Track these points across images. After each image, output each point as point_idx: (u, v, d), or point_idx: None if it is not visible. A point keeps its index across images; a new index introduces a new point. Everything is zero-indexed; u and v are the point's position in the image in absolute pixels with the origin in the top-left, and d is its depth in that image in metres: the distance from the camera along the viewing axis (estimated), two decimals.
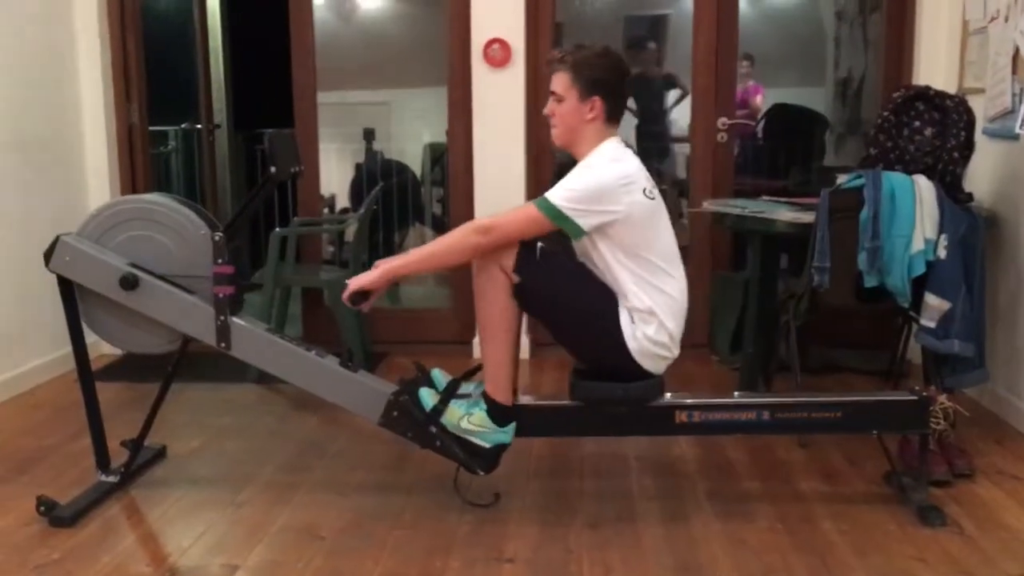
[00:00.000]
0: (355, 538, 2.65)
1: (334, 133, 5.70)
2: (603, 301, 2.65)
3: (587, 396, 2.73)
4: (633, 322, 2.62)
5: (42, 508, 2.74)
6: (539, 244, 2.66)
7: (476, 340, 4.58)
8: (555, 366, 4.29)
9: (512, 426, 2.69)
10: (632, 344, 2.62)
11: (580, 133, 2.67)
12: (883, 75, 4.63)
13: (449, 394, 2.71)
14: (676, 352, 2.69)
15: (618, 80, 2.69)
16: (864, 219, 3.09)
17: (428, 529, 2.69)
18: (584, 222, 2.55)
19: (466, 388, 2.76)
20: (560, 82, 2.67)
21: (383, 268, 2.67)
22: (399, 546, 2.59)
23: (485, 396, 2.69)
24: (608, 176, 2.58)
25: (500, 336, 2.68)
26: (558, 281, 2.67)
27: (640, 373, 2.67)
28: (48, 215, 4.12)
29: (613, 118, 2.68)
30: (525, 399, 2.83)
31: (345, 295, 2.69)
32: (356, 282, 2.68)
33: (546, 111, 2.72)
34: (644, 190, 2.60)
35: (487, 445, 2.68)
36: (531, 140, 4.57)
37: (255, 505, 2.88)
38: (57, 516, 2.72)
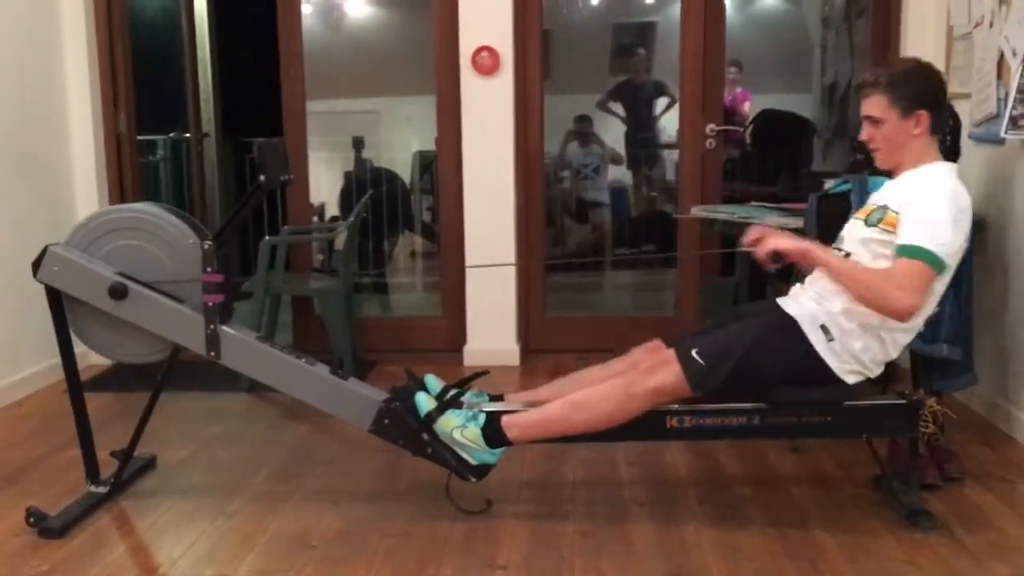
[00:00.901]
0: (347, 546, 2.64)
1: (323, 142, 5.71)
2: (789, 337, 2.59)
3: (787, 400, 2.68)
4: (830, 339, 2.57)
5: (31, 519, 2.72)
6: (692, 350, 2.60)
7: (467, 348, 4.59)
8: (546, 372, 4.29)
9: (501, 451, 2.68)
10: (832, 360, 2.58)
11: (907, 151, 2.62)
12: None
13: (446, 402, 2.71)
14: (875, 372, 2.65)
15: (940, 90, 2.65)
16: None
17: (420, 536, 2.68)
18: (951, 262, 2.51)
19: (470, 397, 2.77)
20: (876, 105, 2.60)
21: (808, 245, 2.59)
22: (391, 554, 2.59)
23: (492, 417, 2.67)
24: (966, 212, 2.54)
25: (577, 425, 2.65)
26: (737, 362, 2.59)
27: (836, 380, 2.62)
28: (36, 225, 4.10)
29: (938, 130, 2.65)
30: (516, 404, 2.82)
31: (764, 251, 2.59)
32: (776, 241, 2.58)
33: (862, 137, 2.67)
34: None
35: (473, 462, 2.68)
36: (520, 147, 4.57)
37: (246, 514, 2.87)
38: (47, 527, 2.71)
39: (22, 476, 3.19)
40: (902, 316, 2.49)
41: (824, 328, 2.59)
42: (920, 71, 2.65)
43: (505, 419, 2.68)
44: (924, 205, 2.52)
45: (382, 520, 2.79)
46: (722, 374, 2.59)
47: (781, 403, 2.68)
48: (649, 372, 2.64)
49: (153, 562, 2.60)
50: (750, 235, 2.66)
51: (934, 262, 2.46)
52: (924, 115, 2.59)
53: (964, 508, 2.84)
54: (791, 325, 2.62)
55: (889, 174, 2.74)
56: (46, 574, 2.50)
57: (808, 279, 2.74)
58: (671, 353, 2.65)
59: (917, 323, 2.62)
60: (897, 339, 2.61)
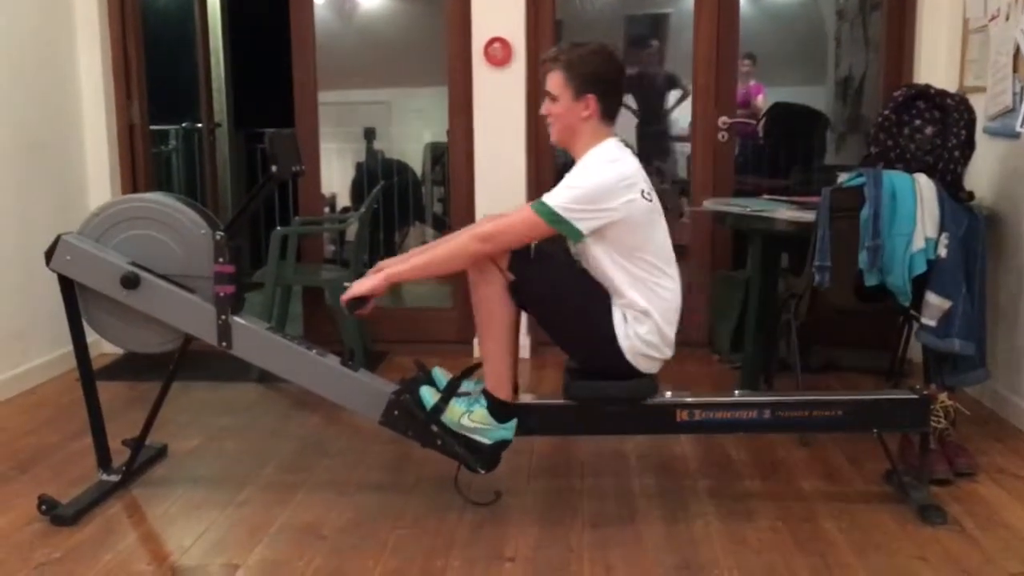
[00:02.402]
0: (356, 537, 2.65)
1: (335, 132, 5.71)
2: (597, 299, 2.65)
3: (580, 395, 2.73)
4: (626, 321, 2.62)
5: (43, 507, 2.74)
6: (533, 244, 2.66)
7: (477, 339, 4.59)
8: (556, 365, 4.28)
9: (513, 422, 2.69)
10: (624, 343, 2.62)
11: (577, 132, 2.66)
12: (884, 74, 4.63)
13: (450, 392, 2.71)
14: (669, 353, 2.69)
15: (613, 77, 2.67)
16: (865, 218, 3.08)
17: (429, 528, 2.69)
18: (583, 225, 2.55)
19: (467, 386, 2.76)
20: (554, 81, 2.65)
21: (384, 273, 2.68)
22: (400, 545, 2.59)
23: (485, 393, 2.69)
24: (606, 177, 2.57)
25: (497, 332, 2.68)
26: (552, 279, 2.68)
27: (632, 372, 2.67)
28: (49, 214, 4.12)
29: (609, 116, 2.67)
30: (526, 398, 2.83)
31: (344, 299, 2.69)
32: (356, 288, 2.67)
33: (542, 111, 2.72)
34: (643, 191, 2.59)
35: (488, 442, 2.68)
36: (532, 139, 4.57)
37: (256, 504, 2.88)
38: (58, 515, 2.72)
39: (34, 464, 3.21)
40: (478, 252, 2.59)
41: (624, 314, 2.63)
42: (598, 55, 2.66)
43: (486, 386, 2.70)
44: (572, 175, 2.61)
45: (391, 511, 2.80)
46: (538, 279, 2.63)
47: (581, 399, 2.73)
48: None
49: (164, 550, 2.61)
50: (343, 298, 2.70)
51: (543, 210, 2.53)
52: (592, 99, 2.61)
53: (975, 503, 2.83)
54: (608, 297, 2.65)
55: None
56: (58, 561, 2.51)
57: None
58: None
59: (666, 290, 2.63)
60: (661, 312, 2.62)
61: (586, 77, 2.62)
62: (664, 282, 2.63)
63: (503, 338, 2.68)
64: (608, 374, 2.69)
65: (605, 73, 2.65)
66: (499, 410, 2.67)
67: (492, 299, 2.65)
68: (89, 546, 2.60)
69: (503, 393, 2.68)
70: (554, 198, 2.56)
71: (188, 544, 2.62)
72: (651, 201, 2.61)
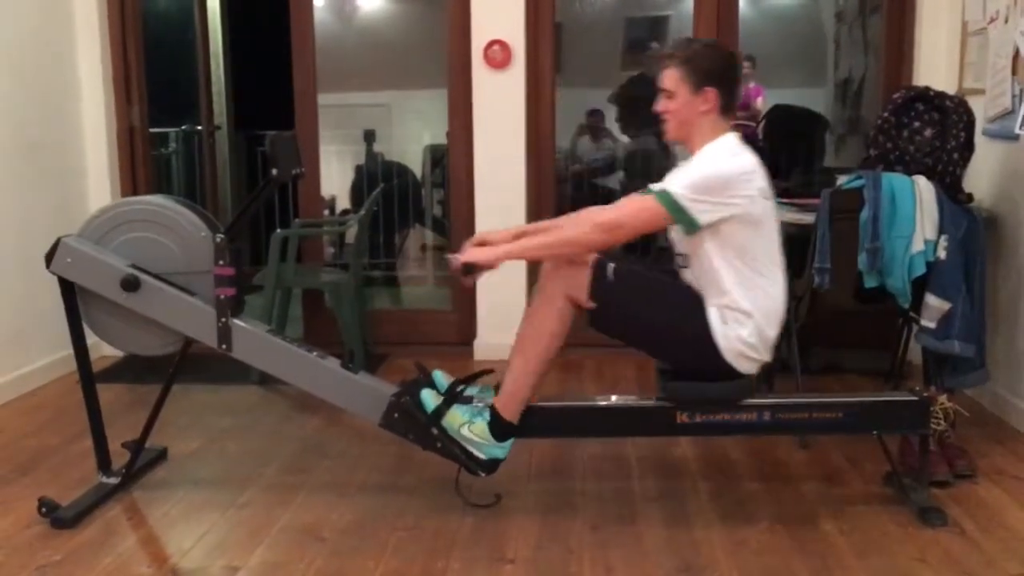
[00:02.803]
0: (356, 539, 2.65)
1: (334, 135, 5.71)
2: (688, 306, 2.61)
3: (679, 395, 2.70)
4: (725, 323, 2.58)
5: (43, 509, 2.74)
6: (610, 264, 2.62)
7: (477, 342, 4.59)
8: (556, 367, 4.29)
9: (510, 442, 2.68)
10: (723, 343, 2.58)
11: (695, 126, 2.63)
12: (883, 76, 4.63)
13: (451, 397, 2.71)
14: (768, 356, 2.65)
15: (730, 70, 2.65)
16: (864, 220, 3.09)
17: (429, 530, 2.69)
18: (702, 216, 2.51)
19: (470, 391, 2.76)
20: (670, 78, 2.62)
21: (501, 251, 2.63)
22: (400, 547, 2.59)
23: (493, 409, 2.67)
24: (728, 169, 2.54)
25: (534, 356, 2.65)
26: (637, 298, 2.64)
27: (730, 373, 2.63)
28: (49, 217, 4.12)
29: (727, 110, 2.64)
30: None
31: (457, 264, 2.62)
32: (473, 255, 2.62)
33: (657, 108, 2.68)
34: (762, 188, 2.56)
35: (482, 457, 2.68)
36: (531, 141, 4.57)
37: (256, 506, 2.88)
38: (58, 517, 2.72)
39: (34, 466, 3.21)
40: (598, 241, 2.56)
41: (721, 315, 2.60)
42: (716, 50, 2.66)
43: (495, 402, 2.68)
44: (694, 164, 2.58)
45: (392, 513, 2.80)
46: (620, 300, 2.61)
47: (678, 399, 2.70)
48: (565, 265, 2.64)
49: (164, 553, 2.61)
50: (456, 263, 2.66)
51: (665, 199, 2.50)
52: (712, 92, 2.59)
53: (975, 505, 2.83)
54: (702, 304, 2.63)
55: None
56: (58, 564, 2.51)
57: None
58: (592, 256, 2.64)
59: (773, 288, 2.61)
60: (765, 312, 2.60)
61: (704, 71, 2.59)
62: (769, 284, 2.60)
63: (537, 365, 2.66)
64: (704, 376, 2.65)
65: (723, 67, 2.63)
66: (500, 429, 2.66)
67: (547, 324, 2.63)
68: (89, 548, 2.60)
69: (509, 413, 2.66)
70: (676, 186, 2.51)
71: (188, 546, 2.62)
72: (768, 200, 2.59)
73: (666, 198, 2.51)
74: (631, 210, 2.57)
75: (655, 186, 2.55)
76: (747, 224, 2.54)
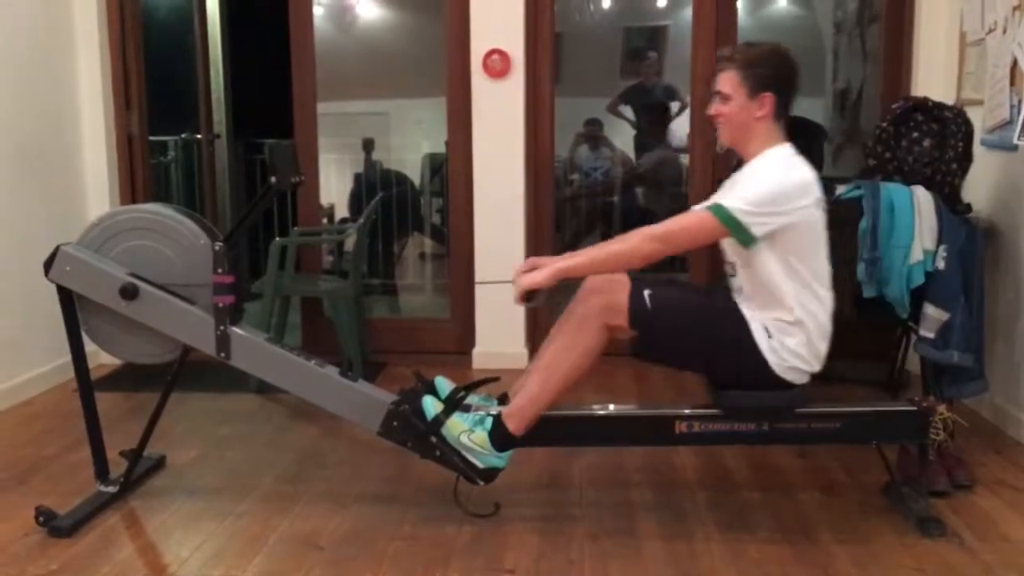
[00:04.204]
0: (354, 548, 2.64)
1: (333, 143, 5.72)
2: (731, 324, 2.60)
3: (734, 405, 2.69)
4: (770, 336, 2.58)
5: (41, 518, 2.73)
6: (646, 291, 2.61)
7: (475, 350, 4.59)
8: None
9: (509, 453, 2.68)
10: (771, 357, 2.58)
11: (750, 131, 2.62)
12: (882, 86, 4.65)
13: (453, 405, 2.70)
14: (817, 367, 2.64)
15: (789, 77, 2.64)
16: (863, 230, 3.09)
17: (428, 539, 2.69)
18: (758, 230, 2.49)
19: (470, 399, 2.75)
20: (728, 81, 2.61)
21: (553, 268, 2.58)
22: (399, 556, 2.59)
23: (497, 419, 2.66)
24: (784, 180, 2.53)
25: (556, 385, 2.64)
26: (679, 324, 2.62)
27: (779, 385, 2.62)
28: (47, 225, 4.12)
29: (782, 116, 2.64)
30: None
31: (517, 294, 2.60)
32: (528, 280, 2.58)
33: (711, 111, 2.67)
34: (818, 199, 2.55)
35: (481, 466, 2.67)
36: (530, 150, 4.58)
37: (254, 515, 2.87)
38: (56, 526, 2.71)
39: (32, 475, 3.20)
40: (652, 253, 2.55)
41: (767, 329, 2.59)
42: (775, 55, 2.64)
43: (503, 413, 2.67)
44: (751, 178, 2.57)
45: (390, 522, 2.79)
46: (661, 325, 2.60)
47: (730, 408, 2.69)
48: (599, 292, 2.63)
49: (161, 562, 2.61)
50: (516, 293, 2.63)
51: (721, 214, 2.48)
52: (769, 98, 2.58)
53: (974, 515, 2.83)
54: (744, 319, 2.62)
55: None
56: (55, 573, 2.50)
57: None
58: (626, 280, 2.63)
59: (824, 299, 2.61)
60: (818, 322, 2.59)
61: (763, 76, 2.58)
62: (818, 297, 2.58)
63: (556, 389, 2.65)
64: (754, 387, 2.65)
65: (782, 72, 2.62)
66: (501, 439, 2.65)
67: (579, 354, 2.62)
68: (86, 558, 2.59)
69: (514, 425, 2.65)
70: (732, 201, 2.50)
71: (186, 555, 2.61)
72: (821, 212, 2.57)
73: (722, 212, 2.49)
74: (685, 223, 2.57)
75: (710, 199, 2.54)
76: (800, 234, 2.53)
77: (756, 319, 2.60)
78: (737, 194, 2.53)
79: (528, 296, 2.60)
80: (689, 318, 2.65)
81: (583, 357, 2.63)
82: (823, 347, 2.62)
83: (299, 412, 3.82)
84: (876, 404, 2.74)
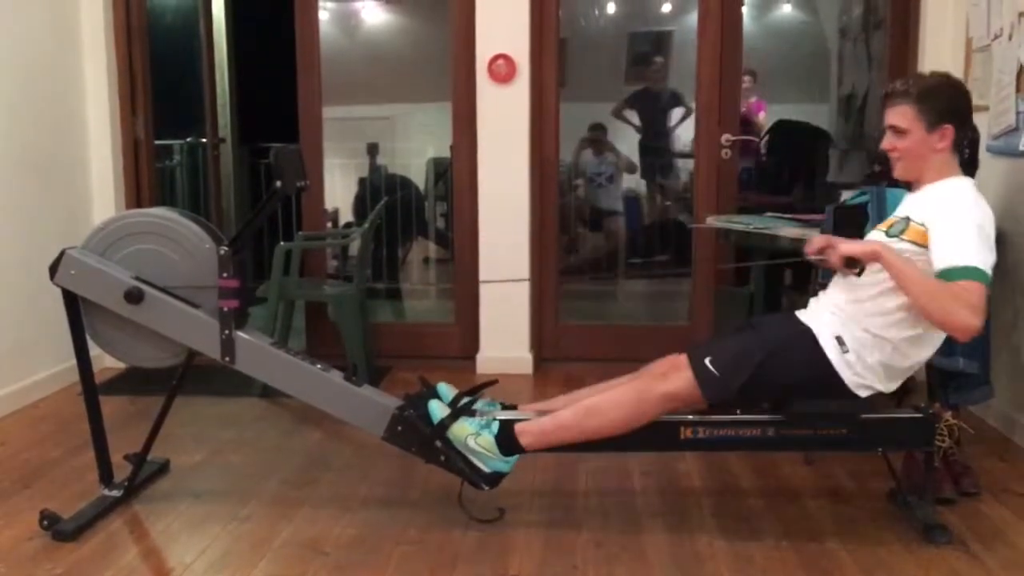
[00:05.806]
0: (359, 553, 2.64)
1: (338, 148, 5.73)
2: (799, 347, 2.59)
3: (801, 412, 2.68)
4: (846, 351, 2.55)
5: (45, 522, 2.73)
6: (706, 359, 2.60)
7: (480, 355, 4.59)
8: (558, 380, 4.30)
9: (515, 459, 2.68)
10: (845, 372, 2.56)
11: (928, 163, 2.59)
12: None
13: (457, 409, 2.70)
14: (893, 387, 2.63)
15: (966, 106, 2.61)
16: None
17: (433, 544, 2.68)
18: (990, 269, 2.44)
19: (476, 404, 2.75)
20: (902, 115, 2.58)
21: (880, 245, 2.53)
22: (404, 561, 2.58)
23: (505, 425, 2.66)
24: (987, 220, 2.50)
25: (592, 429, 2.64)
26: (751, 372, 2.59)
27: (851, 397, 2.61)
28: (53, 229, 4.13)
29: (959, 146, 2.62)
30: (530, 413, 2.82)
31: (836, 258, 2.56)
32: (847, 248, 2.54)
33: (885, 145, 2.64)
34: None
35: (486, 470, 2.67)
36: (535, 155, 4.58)
37: (259, 520, 2.87)
38: (60, 530, 2.71)
39: (36, 479, 3.20)
40: (965, 335, 2.42)
41: (839, 339, 2.57)
42: (951, 86, 2.62)
43: (519, 426, 2.67)
44: (962, 223, 2.47)
45: (395, 527, 2.79)
46: (736, 384, 2.59)
47: (796, 415, 2.67)
48: (662, 377, 2.64)
49: (166, 566, 2.61)
50: (814, 245, 2.66)
51: (985, 280, 2.41)
52: (950, 130, 2.56)
53: (979, 523, 2.82)
54: (807, 335, 2.61)
55: (909, 186, 2.73)
56: None
57: (825, 292, 2.73)
58: (683, 359, 2.65)
59: (936, 341, 2.60)
60: (910, 354, 2.59)
61: (941, 109, 2.55)
62: (921, 324, 2.53)
63: (590, 431, 2.64)
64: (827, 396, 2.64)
65: (960, 103, 2.60)
66: (508, 445, 2.66)
67: (628, 414, 2.61)
68: (90, 562, 2.59)
69: (527, 442, 2.65)
70: (970, 259, 2.39)
71: (190, 560, 2.61)
72: None
73: (983, 276, 2.40)
74: (978, 298, 2.37)
75: (956, 267, 2.40)
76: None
77: (829, 325, 2.59)
78: (966, 250, 2.41)
79: (850, 262, 2.54)
80: (759, 361, 2.59)
81: (625, 423, 2.62)
82: (904, 365, 2.60)
83: (304, 416, 3.82)
84: (882, 411, 2.73)
